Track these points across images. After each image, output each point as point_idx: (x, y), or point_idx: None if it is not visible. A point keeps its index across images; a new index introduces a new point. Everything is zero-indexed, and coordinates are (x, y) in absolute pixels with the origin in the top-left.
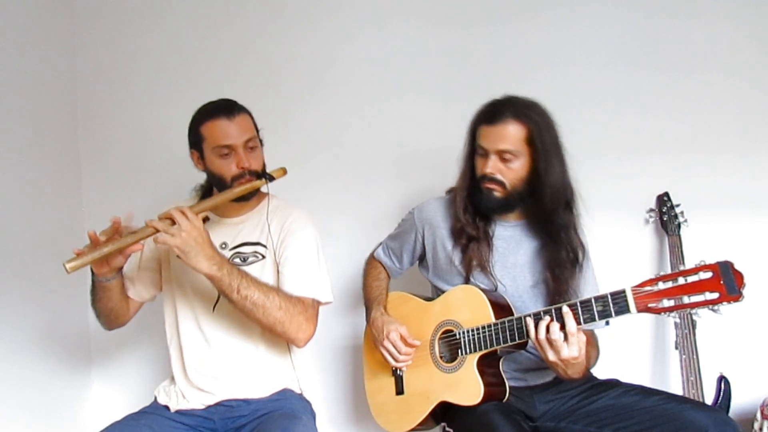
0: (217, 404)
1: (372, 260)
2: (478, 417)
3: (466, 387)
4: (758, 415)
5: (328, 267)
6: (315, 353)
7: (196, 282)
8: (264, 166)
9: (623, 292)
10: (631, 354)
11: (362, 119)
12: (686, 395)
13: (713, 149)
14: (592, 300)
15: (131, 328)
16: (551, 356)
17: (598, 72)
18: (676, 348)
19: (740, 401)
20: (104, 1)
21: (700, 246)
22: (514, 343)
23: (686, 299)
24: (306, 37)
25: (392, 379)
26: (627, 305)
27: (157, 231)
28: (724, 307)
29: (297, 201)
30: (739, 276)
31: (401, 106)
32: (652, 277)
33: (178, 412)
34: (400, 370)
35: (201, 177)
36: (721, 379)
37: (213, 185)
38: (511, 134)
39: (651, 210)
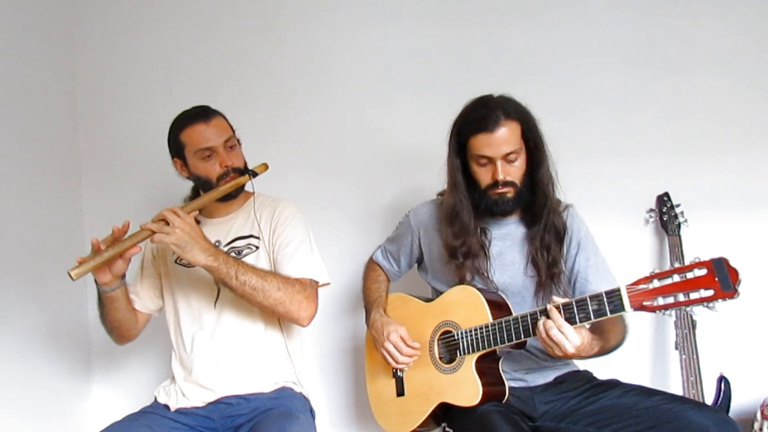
0: (217, 401)
1: (371, 263)
2: (478, 417)
3: (464, 388)
4: (758, 415)
5: (322, 256)
6: (316, 354)
7: (197, 282)
8: (245, 163)
9: (617, 290)
10: (631, 354)
11: (361, 120)
12: (686, 395)
13: (713, 149)
14: (587, 298)
15: None
16: (558, 352)
17: (598, 72)
18: (676, 348)
19: (740, 401)
20: (104, 1)
21: (701, 246)
22: (512, 343)
23: (681, 297)
24: (304, 38)
25: (393, 381)
26: (622, 303)
27: (153, 232)
28: (720, 305)
29: (298, 201)
30: (734, 272)
31: (400, 107)
32: (647, 275)
33: (178, 411)
34: (400, 371)
35: None
36: (721, 379)
37: (200, 189)
38: (511, 134)
39: (651, 210)
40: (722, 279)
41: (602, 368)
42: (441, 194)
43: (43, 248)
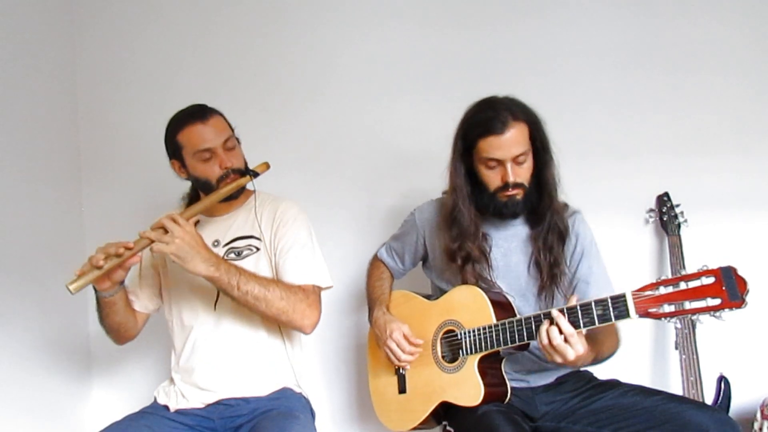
0: (217, 403)
1: (375, 260)
2: (479, 417)
3: (466, 388)
4: (758, 416)
5: (325, 256)
6: (318, 352)
7: (196, 283)
8: (246, 163)
9: (623, 296)
10: (631, 354)
11: (362, 120)
12: (686, 395)
13: (713, 149)
14: (592, 303)
15: None
16: (558, 359)
17: (598, 72)
18: (676, 348)
19: (740, 401)
20: (104, 1)
21: (700, 246)
22: (515, 345)
23: (687, 305)
24: (305, 39)
25: (395, 378)
26: (627, 310)
27: (152, 241)
28: (726, 314)
29: (299, 201)
30: (742, 282)
31: (401, 107)
32: (653, 281)
33: (177, 411)
34: (402, 369)
35: None
36: (721, 379)
37: (200, 190)
38: (520, 136)
39: (651, 210)
40: (730, 288)
41: (602, 368)
42: (446, 193)
43: (43, 248)
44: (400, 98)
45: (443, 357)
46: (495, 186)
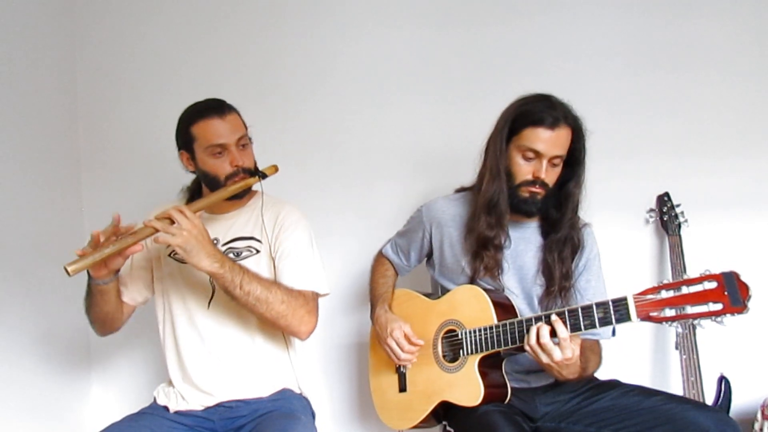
0: (217, 405)
1: (380, 257)
2: (479, 418)
3: (466, 388)
4: (758, 416)
5: (325, 262)
6: (319, 351)
7: (190, 280)
8: (255, 163)
9: (624, 299)
10: (631, 354)
11: (365, 119)
12: (686, 395)
13: (713, 149)
14: (593, 306)
15: (130, 330)
16: (544, 359)
17: (598, 72)
18: (677, 348)
19: (740, 401)
20: (104, 1)
21: (701, 246)
22: (516, 345)
23: (689, 309)
24: (307, 37)
25: (395, 377)
26: (628, 313)
27: (157, 231)
28: (728, 319)
29: (300, 201)
30: (744, 287)
31: (404, 106)
32: (655, 284)
33: (177, 412)
34: (403, 367)
35: None
36: (722, 379)
37: (205, 185)
38: (565, 140)
39: (651, 210)
40: (732, 293)
41: (602, 368)
42: (459, 190)
43: (43, 248)
44: (400, 98)
45: (444, 356)
46: (522, 178)
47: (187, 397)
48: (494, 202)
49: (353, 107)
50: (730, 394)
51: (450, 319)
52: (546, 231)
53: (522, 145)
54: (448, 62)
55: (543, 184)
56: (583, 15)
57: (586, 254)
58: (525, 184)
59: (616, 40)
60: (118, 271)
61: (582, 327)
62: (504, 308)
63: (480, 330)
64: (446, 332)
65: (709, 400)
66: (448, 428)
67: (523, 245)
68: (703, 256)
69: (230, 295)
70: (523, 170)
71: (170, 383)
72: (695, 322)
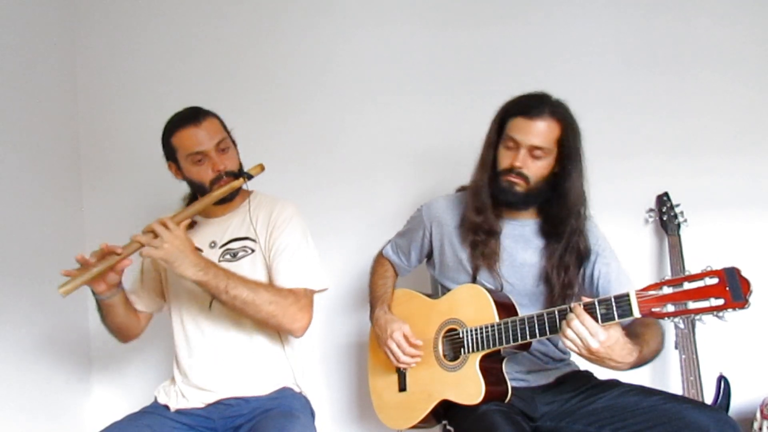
0: (217, 402)
1: (380, 258)
2: (479, 417)
3: (467, 386)
4: (758, 415)
5: (325, 261)
6: (319, 351)
7: (191, 284)
8: (240, 165)
9: (627, 295)
10: None
11: (363, 118)
12: (686, 395)
13: (713, 149)
14: (596, 302)
15: None
16: (581, 350)
17: (598, 72)
18: (676, 348)
19: (740, 401)
20: (104, 2)
21: (700, 246)
22: (517, 343)
23: (691, 305)
24: (305, 37)
25: (395, 376)
26: (630, 308)
27: (142, 245)
28: (729, 314)
29: (300, 200)
30: (745, 283)
31: (404, 105)
32: (657, 281)
33: (177, 411)
34: (403, 368)
35: None
36: (721, 378)
37: (196, 192)
38: (547, 131)
39: (651, 210)
40: (734, 289)
41: (602, 368)
42: (459, 189)
43: (43, 248)
44: (399, 98)
45: (445, 356)
46: (503, 166)
47: (187, 394)
48: (477, 190)
49: (353, 107)
50: (729, 393)
51: (451, 318)
52: (546, 232)
53: (505, 134)
54: (447, 62)
55: (520, 174)
56: (583, 15)
57: (593, 248)
58: (504, 173)
59: (616, 40)
60: (118, 285)
61: None
62: (505, 307)
63: (481, 328)
64: (447, 331)
65: (709, 399)
66: (448, 427)
67: (522, 243)
68: (703, 256)
69: (218, 300)
70: (505, 158)
71: (173, 381)
72: (696, 317)
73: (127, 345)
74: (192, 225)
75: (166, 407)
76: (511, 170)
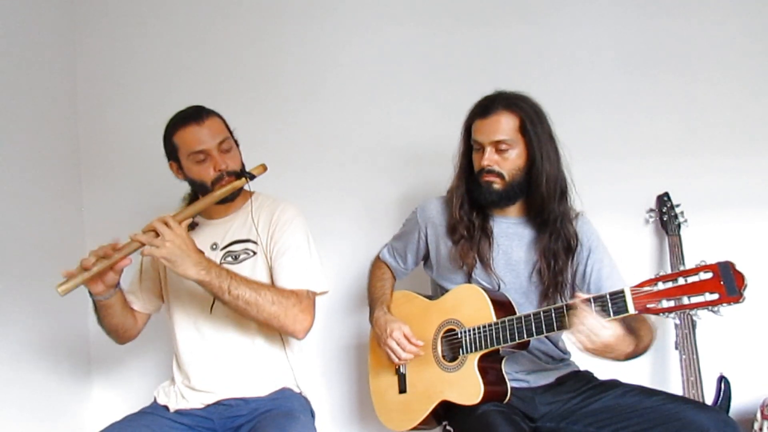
0: (216, 403)
1: (377, 261)
2: (479, 417)
3: (466, 386)
4: (758, 415)
5: (324, 262)
6: (319, 353)
7: (191, 285)
8: (242, 165)
9: (622, 292)
10: None
11: (362, 119)
12: (686, 395)
13: (713, 149)
14: (591, 300)
15: None
16: (590, 344)
17: (597, 72)
18: (676, 348)
19: (740, 401)
20: (104, 2)
21: (700, 246)
22: (515, 342)
23: (686, 300)
24: (304, 38)
25: (395, 378)
26: (625, 305)
27: (143, 244)
28: (725, 309)
29: (299, 201)
30: (740, 277)
31: (400, 107)
32: (652, 277)
33: (177, 412)
34: (403, 368)
35: None
36: (721, 379)
37: (197, 192)
38: (504, 124)
39: (651, 210)
40: (728, 283)
41: (602, 368)
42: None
43: (43, 248)
44: (400, 98)
45: (444, 356)
46: (477, 169)
47: (186, 395)
48: (450, 195)
49: (351, 108)
50: (729, 393)
51: (449, 319)
52: (534, 223)
53: (472, 139)
54: (447, 62)
55: (492, 172)
56: (583, 15)
57: (586, 243)
58: (479, 174)
59: (616, 40)
60: (116, 285)
61: None
62: (503, 306)
63: (479, 328)
64: (446, 332)
65: (709, 399)
66: (448, 428)
67: (516, 240)
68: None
69: (220, 300)
70: (476, 161)
71: (172, 381)
72: (692, 312)
73: (126, 346)
74: (193, 226)
75: (166, 408)
76: (482, 170)
